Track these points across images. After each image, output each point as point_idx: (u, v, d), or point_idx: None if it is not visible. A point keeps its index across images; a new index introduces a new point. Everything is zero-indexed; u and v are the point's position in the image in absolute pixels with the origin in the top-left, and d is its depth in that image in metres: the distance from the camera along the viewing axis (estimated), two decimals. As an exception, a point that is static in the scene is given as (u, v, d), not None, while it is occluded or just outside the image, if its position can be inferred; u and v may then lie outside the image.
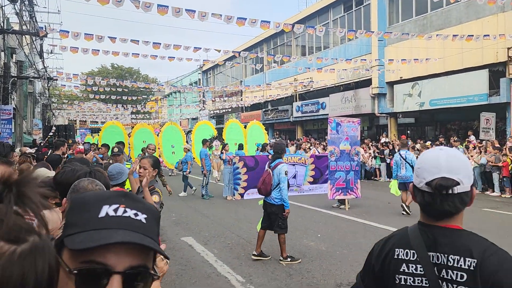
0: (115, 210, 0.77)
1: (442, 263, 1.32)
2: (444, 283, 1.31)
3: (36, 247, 0.65)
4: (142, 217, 0.79)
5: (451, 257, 1.31)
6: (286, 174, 6.10)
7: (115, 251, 0.73)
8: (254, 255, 6.23)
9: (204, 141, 13.47)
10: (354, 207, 10.45)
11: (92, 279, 0.72)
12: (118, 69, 56.34)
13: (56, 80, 22.67)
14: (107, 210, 0.77)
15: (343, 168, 10.28)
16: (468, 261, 1.28)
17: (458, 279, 1.29)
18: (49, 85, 25.55)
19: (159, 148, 15.30)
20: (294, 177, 10.93)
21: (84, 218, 0.77)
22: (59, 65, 54.13)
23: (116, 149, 7.32)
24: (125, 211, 0.78)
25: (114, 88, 23.39)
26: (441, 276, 1.32)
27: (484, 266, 1.26)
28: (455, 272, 1.30)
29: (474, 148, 14.52)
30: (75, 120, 48.37)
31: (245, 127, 16.91)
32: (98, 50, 13.39)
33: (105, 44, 17.99)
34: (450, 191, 1.33)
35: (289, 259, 6.06)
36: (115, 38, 12.04)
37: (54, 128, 23.71)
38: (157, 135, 16.97)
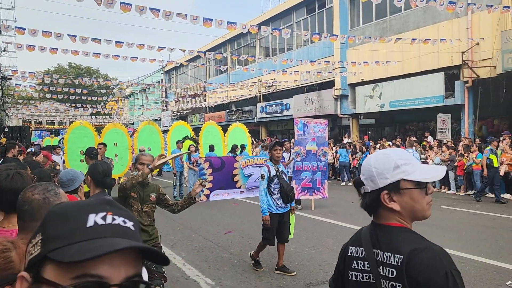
0: (104, 218, 0.72)
1: (381, 259, 1.36)
2: (382, 279, 1.33)
3: None
4: (130, 224, 0.75)
5: (385, 254, 1.34)
6: (262, 178, 5.67)
7: (110, 262, 0.68)
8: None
9: (177, 142, 13.27)
10: (319, 207, 10.60)
11: None
12: (76, 68, 54.29)
13: (11, 79, 21.57)
14: (94, 218, 0.71)
15: (309, 168, 10.41)
16: (397, 257, 1.30)
17: (390, 275, 1.31)
18: (2, 84, 24.29)
19: (132, 152, 12.93)
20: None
21: (69, 229, 0.69)
22: (12, 64, 51.67)
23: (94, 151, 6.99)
24: (113, 219, 0.73)
25: (73, 88, 22.51)
26: (380, 272, 1.35)
27: (410, 263, 1.26)
28: (387, 268, 1.33)
29: (431, 148, 15.16)
30: (30, 121, 46.24)
31: (225, 129, 15.54)
32: (57, 49, 12.85)
33: (64, 43, 17.34)
34: (362, 190, 1.46)
35: (253, 262, 5.90)
36: (75, 36, 11.58)
37: (6, 129, 22.49)
38: (131, 136, 15.19)
